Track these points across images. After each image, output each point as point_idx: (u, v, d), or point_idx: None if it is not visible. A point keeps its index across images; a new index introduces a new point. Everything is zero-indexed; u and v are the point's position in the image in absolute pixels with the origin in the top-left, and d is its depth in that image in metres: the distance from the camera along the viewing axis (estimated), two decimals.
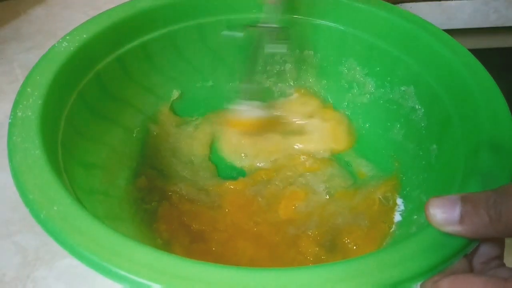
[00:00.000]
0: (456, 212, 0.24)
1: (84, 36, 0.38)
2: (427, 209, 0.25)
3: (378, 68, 0.46)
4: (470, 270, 0.26)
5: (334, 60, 0.48)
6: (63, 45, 0.37)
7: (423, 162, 0.40)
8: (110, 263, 0.23)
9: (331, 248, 0.39)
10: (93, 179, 0.36)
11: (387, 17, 0.43)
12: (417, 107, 0.42)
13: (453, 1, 0.73)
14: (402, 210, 0.41)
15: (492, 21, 0.75)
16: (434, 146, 0.39)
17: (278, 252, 0.38)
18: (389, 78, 0.45)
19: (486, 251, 0.26)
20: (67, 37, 0.38)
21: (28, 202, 0.26)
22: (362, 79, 0.47)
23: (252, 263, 0.37)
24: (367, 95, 0.47)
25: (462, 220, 0.24)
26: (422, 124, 0.41)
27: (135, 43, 0.42)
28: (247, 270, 0.23)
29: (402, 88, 0.43)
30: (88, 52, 0.38)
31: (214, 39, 0.46)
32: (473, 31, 0.77)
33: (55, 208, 0.25)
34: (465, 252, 0.25)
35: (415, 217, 0.37)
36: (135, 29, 0.42)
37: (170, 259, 0.23)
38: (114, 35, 0.40)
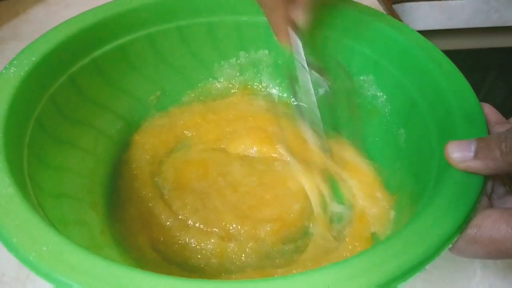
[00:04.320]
0: (471, 150, 0.28)
1: (33, 58, 0.36)
2: (446, 150, 0.29)
3: (334, 61, 0.46)
4: (490, 205, 0.29)
5: (288, 58, 0.48)
6: (11, 70, 0.35)
7: (392, 148, 0.41)
8: None
9: None
10: (65, 210, 0.34)
11: (338, 8, 0.43)
12: (378, 94, 0.43)
13: (453, 1, 0.74)
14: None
15: (492, 21, 0.76)
16: (402, 130, 0.40)
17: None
18: (347, 69, 0.45)
19: (498, 188, 0.30)
20: (15, 62, 0.35)
21: (11, 246, 0.24)
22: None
23: None
24: (325, 88, 0.47)
25: (476, 155, 0.27)
26: (386, 110, 0.42)
27: (86, 60, 0.40)
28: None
29: (362, 78, 0.44)
30: (39, 75, 0.36)
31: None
32: (473, 31, 0.78)
33: (45, 248, 0.24)
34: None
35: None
36: (84, 45, 0.40)
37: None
38: (63, 54, 0.38)
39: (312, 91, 0.41)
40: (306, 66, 0.39)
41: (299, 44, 0.39)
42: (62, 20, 0.39)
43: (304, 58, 0.39)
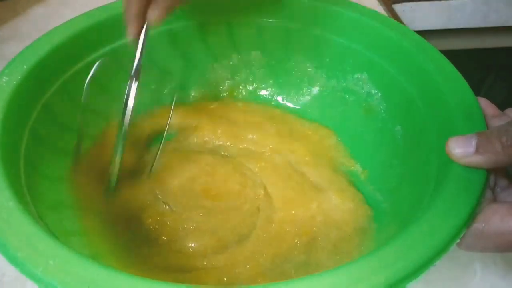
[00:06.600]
0: (472, 145, 0.28)
1: (24, 66, 0.35)
2: (447, 146, 0.29)
3: (327, 59, 0.46)
4: (494, 199, 0.29)
5: (281, 58, 0.48)
6: (4, 80, 0.34)
7: (389, 145, 0.41)
8: None
9: None
10: (65, 220, 0.33)
11: (332, 7, 0.43)
12: (373, 91, 0.43)
13: (453, 1, 0.74)
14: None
15: (492, 21, 0.77)
16: (398, 127, 0.40)
17: None
18: (340, 68, 0.45)
19: (501, 181, 0.30)
20: (6, 71, 0.35)
21: (16, 261, 0.23)
22: (312, 72, 0.47)
23: None
24: (319, 87, 0.48)
25: (477, 150, 0.27)
26: (381, 107, 0.42)
27: (79, 66, 0.39)
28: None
29: (356, 76, 0.44)
30: (31, 83, 0.35)
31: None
32: (473, 31, 0.78)
33: (51, 262, 0.23)
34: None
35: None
36: (77, 51, 0.39)
37: None
38: (55, 61, 0.37)
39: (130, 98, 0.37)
40: (134, 72, 0.37)
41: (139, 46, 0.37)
42: (62, 20, 0.39)
43: (138, 62, 0.37)
